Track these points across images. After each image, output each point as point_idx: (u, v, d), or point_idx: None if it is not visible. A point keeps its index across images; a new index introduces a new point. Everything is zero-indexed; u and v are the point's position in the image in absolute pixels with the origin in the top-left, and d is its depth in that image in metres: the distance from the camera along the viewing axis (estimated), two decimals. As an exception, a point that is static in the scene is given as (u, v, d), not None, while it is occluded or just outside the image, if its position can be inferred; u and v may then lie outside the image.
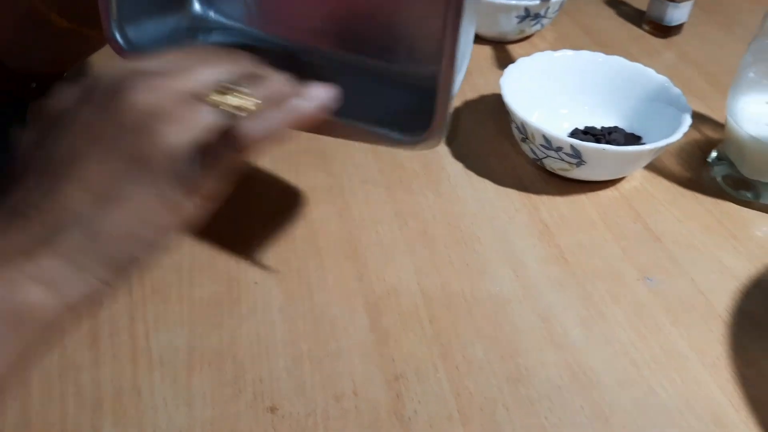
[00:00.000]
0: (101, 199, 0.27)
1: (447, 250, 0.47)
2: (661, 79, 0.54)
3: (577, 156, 0.48)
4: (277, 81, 0.32)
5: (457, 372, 0.39)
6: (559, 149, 0.48)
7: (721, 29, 0.77)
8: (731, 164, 0.53)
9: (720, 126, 0.59)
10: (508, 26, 0.67)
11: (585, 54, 0.57)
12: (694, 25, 0.75)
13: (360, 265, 0.45)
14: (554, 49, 0.58)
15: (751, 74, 0.48)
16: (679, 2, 0.71)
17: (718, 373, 0.39)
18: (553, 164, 0.50)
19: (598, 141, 0.53)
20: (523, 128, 0.50)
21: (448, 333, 0.41)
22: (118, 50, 0.40)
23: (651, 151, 0.48)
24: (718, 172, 0.54)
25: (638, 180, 0.53)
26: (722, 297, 0.44)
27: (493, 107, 0.61)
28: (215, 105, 0.29)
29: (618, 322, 0.42)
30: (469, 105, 0.61)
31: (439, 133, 0.36)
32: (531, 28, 0.68)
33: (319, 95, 0.31)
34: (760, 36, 0.48)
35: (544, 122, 0.49)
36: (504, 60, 0.67)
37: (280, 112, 0.29)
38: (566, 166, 0.49)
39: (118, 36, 0.39)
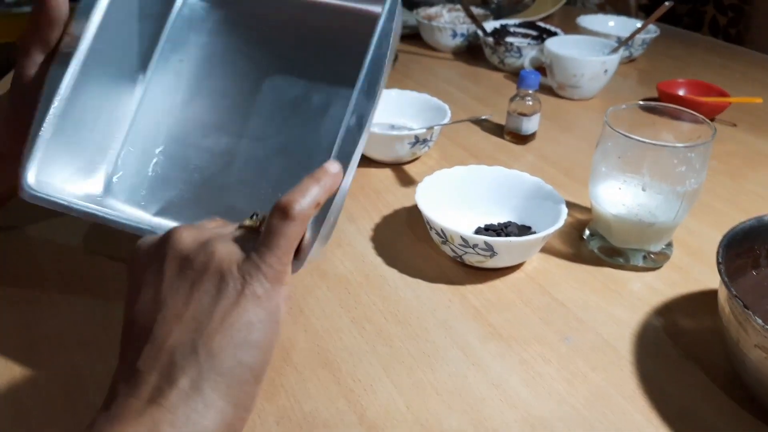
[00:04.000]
0: (199, 326, 0.31)
1: (403, 344, 0.55)
2: (536, 179, 0.68)
3: (490, 249, 0.59)
4: None
5: (440, 444, 0.46)
6: (475, 246, 0.59)
7: (565, 132, 0.95)
8: (602, 237, 0.67)
9: (583, 209, 0.74)
10: (402, 151, 0.79)
11: (473, 167, 0.70)
12: (544, 131, 0.92)
13: (334, 371, 0.52)
14: (440, 164, 0.70)
15: (603, 169, 0.62)
16: (529, 116, 0.88)
17: (635, 402, 0.50)
18: (471, 258, 0.61)
19: (498, 235, 0.65)
20: (442, 233, 0.60)
21: (425, 414, 0.48)
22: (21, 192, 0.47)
23: (544, 237, 0.60)
24: (594, 245, 0.67)
25: (536, 262, 0.66)
26: (622, 342, 0.56)
27: (407, 218, 0.71)
28: None
29: (553, 377, 0.52)
30: (386, 219, 0.71)
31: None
32: (420, 150, 0.81)
33: (336, 167, 0.39)
34: (602, 140, 0.63)
35: (454, 226, 0.60)
36: (403, 178, 0.79)
37: (311, 184, 0.36)
38: (482, 258, 0.60)
39: (27, 184, 0.47)
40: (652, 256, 0.65)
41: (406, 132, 0.78)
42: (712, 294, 0.61)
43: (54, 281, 0.59)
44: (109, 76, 0.54)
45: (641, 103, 0.66)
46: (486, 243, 0.58)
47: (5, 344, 0.52)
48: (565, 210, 0.63)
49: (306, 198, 0.35)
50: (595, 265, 0.65)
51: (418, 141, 0.79)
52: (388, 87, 0.92)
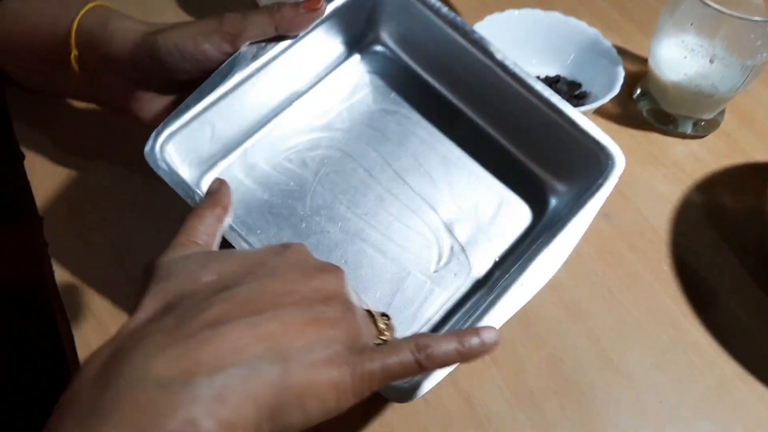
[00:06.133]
0: (273, 354, 0.26)
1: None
2: (593, 31, 0.63)
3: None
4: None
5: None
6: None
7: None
8: (653, 99, 0.63)
9: (637, 58, 0.69)
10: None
11: (526, 12, 0.64)
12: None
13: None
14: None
15: (671, 32, 0.57)
16: (588, -66, 0.77)
17: (667, 287, 0.52)
18: (519, 126, 0.59)
19: (546, 92, 0.62)
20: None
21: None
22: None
23: (599, 106, 0.57)
24: (643, 107, 0.64)
25: (582, 124, 0.63)
26: (661, 221, 0.57)
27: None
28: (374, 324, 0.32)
29: (591, 257, 0.54)
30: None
31: None
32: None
33: (490, 339, 0.31)
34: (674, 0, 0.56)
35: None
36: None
37: (463, 349, 0.31)
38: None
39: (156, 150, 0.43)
40: (703, 123, 0.63)
41: None
42: (756, 167, 0.61)
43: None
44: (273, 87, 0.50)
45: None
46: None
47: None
48: (621, 74, 0.59)
49: (447, 358, 0.30)
50: (642, 129, 0.63)
51: None
52: None
